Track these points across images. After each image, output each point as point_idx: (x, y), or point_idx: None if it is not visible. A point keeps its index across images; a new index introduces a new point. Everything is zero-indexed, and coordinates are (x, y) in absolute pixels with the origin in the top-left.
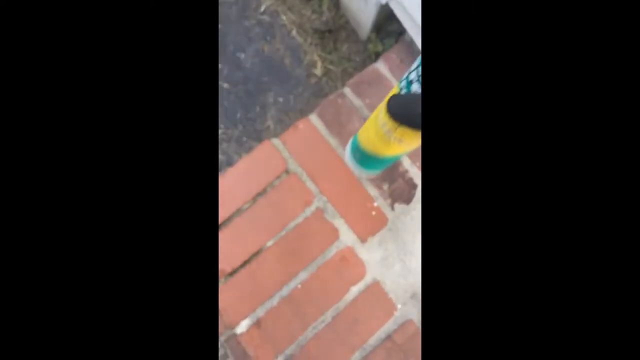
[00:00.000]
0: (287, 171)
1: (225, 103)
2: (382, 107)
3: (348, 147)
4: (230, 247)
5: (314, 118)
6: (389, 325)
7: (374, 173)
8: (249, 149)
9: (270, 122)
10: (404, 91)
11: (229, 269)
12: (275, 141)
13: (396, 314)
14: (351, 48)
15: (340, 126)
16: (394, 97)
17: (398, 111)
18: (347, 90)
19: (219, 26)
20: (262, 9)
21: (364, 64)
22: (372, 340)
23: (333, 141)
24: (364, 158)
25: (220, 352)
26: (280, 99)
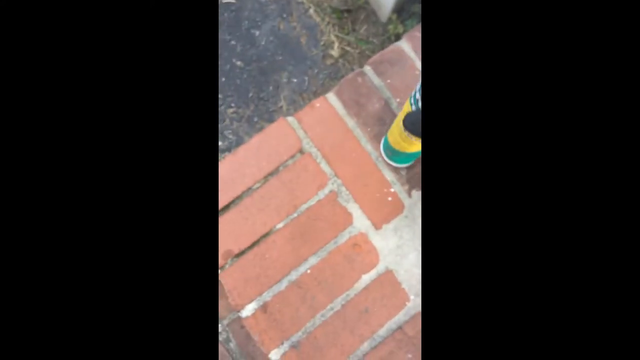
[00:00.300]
0: (301, 151)
1: (237, 81)
2: (402, 115)
3: (381, 145)
4: (239, 228)
5: (331, 97)
6: (400, 316)
7: (407, 164)
8: (260, 130)
9: (283, 103)
10: (414, 107)
11: (236, 250)
12: (290, 119)
13: (409, 304)
14: (370, 30)
15: (359, 106)
16: (407, 114)
17: (411, 127)
18: (367, 69)
19: (232, 0)
20: None
21: (382, 47)
22: (382, 331)
23: (351, 122)
24: (395, 154)
25: (223, 335)
26: (295, 80)
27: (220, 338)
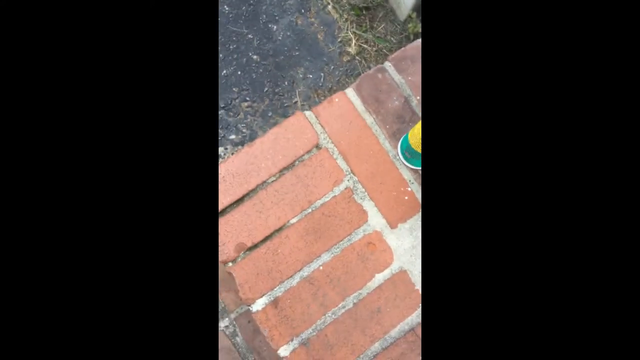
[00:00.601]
0: (317, 146)
1: (253, 75)
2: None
3: (399, 145)
4: (252, 221)
5: (350, 92)
6: (413, 318)
7: None
8: (274, 125)
9: (298, 99)
10: None
11: (249, 244)
12: (308, 114)
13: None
14: (388, 28)
15: (378, 103)
16: None
17: None
18: (388, 65)
19: None
20: None
21: (400, 45)
22: (394, 332)
23: (369, 118)
24: (414, 155)
25: (230, 329)
26: (311, 76)
27: (227, 332)
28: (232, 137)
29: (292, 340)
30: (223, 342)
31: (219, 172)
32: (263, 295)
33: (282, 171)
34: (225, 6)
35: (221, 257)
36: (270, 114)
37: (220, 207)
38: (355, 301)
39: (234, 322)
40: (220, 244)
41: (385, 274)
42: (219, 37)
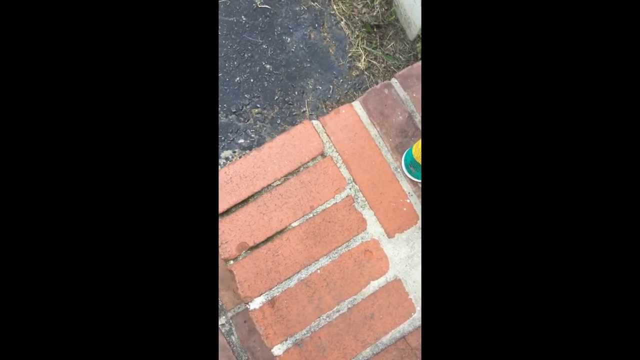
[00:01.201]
0: (323, 154)
1: (265, 83)
2: None
3: (403, 158)
4: (255, 222)
5: (357, 105)
6: (405, 326)
7: None
8: (282, 132)
9: (306, 108)
10: None
11: (250, 243)
12: (315, 123)
13: (414, 315)
14: (397, 46)
15: (383, 117)
16: None
17: None
18: (394, 82)
19: (268, 7)
20: None
21: (407, 63)
22: (386, 339)
23: (373, 131)
24: (418, 168)
25: (226, 327)
26: (320, 87)
27: (223, 330)
28: (241, 141)
29: (286, 340)
30: (218, 339)
31: (227, 173)
32: (261, 294)
33: (287, 176)
34: (243, 16)
35: (223, 254)
36: (279, 121)
37: (226, 206)
38: (349, 306)
39: (231, 321)
40: (223, 242)
41: (380, 281)
42: (235, 46)
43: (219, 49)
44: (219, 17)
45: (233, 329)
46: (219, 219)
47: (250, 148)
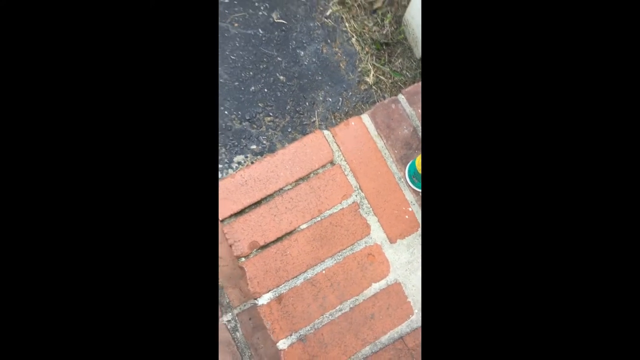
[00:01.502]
0: (332, 162)
1: (278, 93)
2: None
3: (407, 169)
4: (267, 223)
5: (365, 118)
6: (403, 328)
7: None
8: (293, 140)
9: (316, 119)
10: None
11: (261, 242)
12: (326, 133)
13: (412, 317)
14: (404, 63)
15: (389, 130)
16: None
17: None
18: (401, 97)
19: (284, 22)
20: (328, 13)
21: (414, 80)
22: (384, 338)
23: (380, 142)
24: (420, 179)
25: (232, 324)
26: (330, 99)
27: (229, 326)
28: (253, 147)
29: (290, 335)
30: (223, 335)
31: (243, 176)
32: (269, 290)
33: (298, 181)
34: (260, 30)
35: (235, 252)
36: (289, 129)
37: (240, 207)
38: (351, 306)
39: (236, 318)
40: (235, 240)
41: (381, 284)
42: (251, 57)
43: (236, 59)
44: (237, 30)
45: (238, 325)
46: (234, 219)
47: (261, 154)
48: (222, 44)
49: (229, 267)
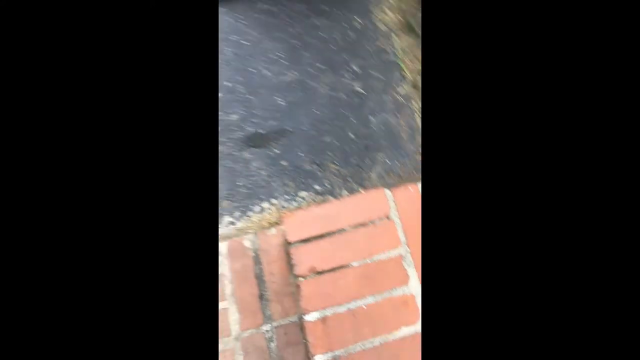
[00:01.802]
0: (388, 217)
1: (346, 148)
2: None
3: None
4: (326, 253)
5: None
6: None
7: None
8: (351, 189)
9: (373, 175)
10: None
11: (318, 269)
12: (387, 192)
13: None
14: None
15: None
16: None
17: None
18: None
19: (363, 92)
20: (400, 90)
21: None
22: None
23: None
24: None
25: (269, 334)
26: (388, 161)
27: (266, 335)
28: (317, 187)
29: (327, 352)
30: (260, 343)
31: (314, 212)
32: (317, 310)
33: (357, 226)
34: (343, 94)
35: (296, 271)
36: (349, 179)
37: (307, 235)
38: (381, 341)
39: (274, 330)
40: (298, 262)
41: (411, 329)
42: (331, 114)
43: (319, 114)
44: (325, 90)
45: (274, 337)
46: (300, 244)
47: (322, 194)
48: (310, 100)
49: (278, 284)
